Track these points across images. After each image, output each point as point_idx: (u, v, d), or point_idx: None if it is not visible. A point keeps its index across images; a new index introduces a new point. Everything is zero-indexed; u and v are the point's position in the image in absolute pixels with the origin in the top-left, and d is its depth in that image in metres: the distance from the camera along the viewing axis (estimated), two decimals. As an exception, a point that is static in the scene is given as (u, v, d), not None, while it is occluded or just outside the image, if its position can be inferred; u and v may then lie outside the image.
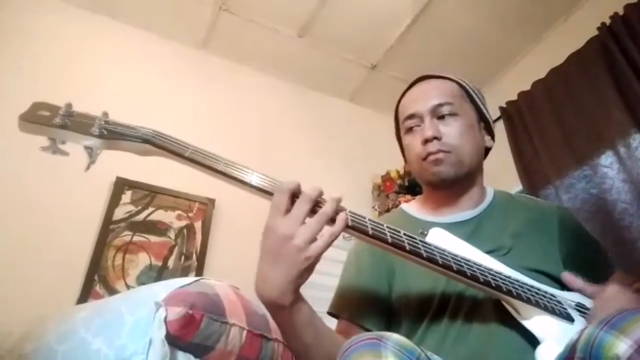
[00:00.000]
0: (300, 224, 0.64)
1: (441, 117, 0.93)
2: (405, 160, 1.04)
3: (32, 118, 0.63)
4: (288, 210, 0.65)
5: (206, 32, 2.56)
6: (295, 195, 0.66)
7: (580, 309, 0.80)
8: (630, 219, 1.82)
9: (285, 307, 0.65)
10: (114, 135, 0.66)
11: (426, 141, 0.91)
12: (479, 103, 1.00)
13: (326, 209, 0.66)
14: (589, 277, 0.85)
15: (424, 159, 0.92)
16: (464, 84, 1.00)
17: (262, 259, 0.65)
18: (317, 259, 0.64)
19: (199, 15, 2.47)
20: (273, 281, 0.64)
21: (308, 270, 0.64)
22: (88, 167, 0.67)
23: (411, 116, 0.96)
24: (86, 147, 0.66)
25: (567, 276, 0.84)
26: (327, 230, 0.65)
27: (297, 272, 0.63)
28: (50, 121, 0.63)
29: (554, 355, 0.64)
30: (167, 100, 2.38)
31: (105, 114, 0.67)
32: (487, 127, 1.02)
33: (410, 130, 0.97)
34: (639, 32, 1.93)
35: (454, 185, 0.94)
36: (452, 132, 0.91)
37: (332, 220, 0.66)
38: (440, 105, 0.93)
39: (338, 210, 0.67)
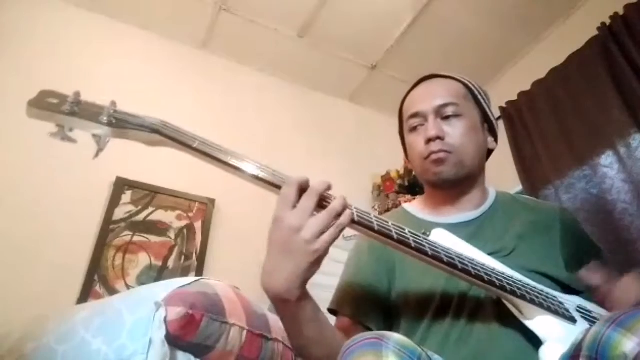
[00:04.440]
0: (308, 217, 0.64)
1: (445, 118, 0.93)
2: (408, 158, 1.04)
3: (41, 105, 0.63)
4: (296, 204, 0.65)
5: (206, 32, 2.56)
6: (303, 189, 0.66)
7: (581, 310, 0.81)
8: (630, 219, 1.82)
9: (291, 301, 0.65)
10: (123, 124, 0.67)
11: (429, 140, 0.91)
12: (484, 104, 1.00)
13: (335, 205, 0.66)
14: None
15: (426, 158, 0.92)
16: (469, 84, 1.00)
17: (270, 251, 0.65)
18: (324, 252, 0.64)
19: (199, 15, 2.47)
20: (280, 274, 0.64)
21: (315, 264, 0.64)
22: (97, 155, 0.67)
23: (415, 115, 0.96)
24: (94, 136, 0.66)
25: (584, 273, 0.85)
26: (335, 223, 0.65)
27: (305, 265, 0.63)
28: (59, 108, 0.64)
29: (557, 355, 0.64)
30: (167, 100, 2.38)
31: (114, 103, 0.67)
32: (491, 129, 1.02)
33: (414, 129, 0.97)
34: (639, 32, 1.93)
35: (454, 185, 0.94)
36: (455, 132, 0.92)
37: (338, 216, 0.66)
38: (445, 105, 0.93)
39: (346, 206, 0.68)
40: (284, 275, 0.63)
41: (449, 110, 0.93)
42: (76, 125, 0.65)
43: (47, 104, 0.63)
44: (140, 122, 0.68)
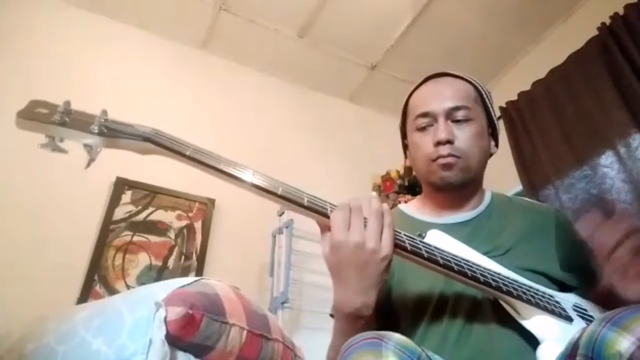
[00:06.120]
0: (364, 231, 0.66)
1: (456, 121, 0.91)
2: (406, 155, 1.02)
3: (30, 115, 0.63)
4: (349, 225, 0.67)
5: (206, 32, 2.56)
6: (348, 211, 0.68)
7: (578, 308, 0.81)
8: (630, 219, 1.82)
9: (367, 316, 0.68)
10: (114, 133, 0.66)
11: (439, 143, 0.90)
12: (490, 108, 0.99)
13: (376, 206, 0.68)
14: (583, 280, 0.86)
15: (434, 160, 0.91)
16: (479, 86, 0.98)
17: (341, 275, 0.68)
18: (391, 254, 0.67)
19: (199, 15, 2.47)
20: (357, 292, 0.67)
21: (386, 270, 0.67)
22: (88, 165, 0.66)
23: (425, 114, 0.94)
24: (85, 145, 0.66)
25: None
26: (384, 223, 0.68)
27: (379, 274, 0.67)
28: (49, 118, 0.63)
29: (554, 355, 0.64)
30: (167, 100, 2.38)
31: (105, 112, 0.67)
32: (493, 133, 1.00)
33: (422, 128, 0.94)
34: (639, 32, 1.93)
35: (458, 189, 0.93)
36: (464, 137, 0.90)
37: (382, 216, 0.69)
38: (457, 108, 0.91)
39: (380, 203, 0.70)
40: (361, 291, 0.67)
41: (460, 114, 0.91)
42: (67, 135, 0.65)
43: (36, 115, 0.63)
44: (131, 130, 0.67)
